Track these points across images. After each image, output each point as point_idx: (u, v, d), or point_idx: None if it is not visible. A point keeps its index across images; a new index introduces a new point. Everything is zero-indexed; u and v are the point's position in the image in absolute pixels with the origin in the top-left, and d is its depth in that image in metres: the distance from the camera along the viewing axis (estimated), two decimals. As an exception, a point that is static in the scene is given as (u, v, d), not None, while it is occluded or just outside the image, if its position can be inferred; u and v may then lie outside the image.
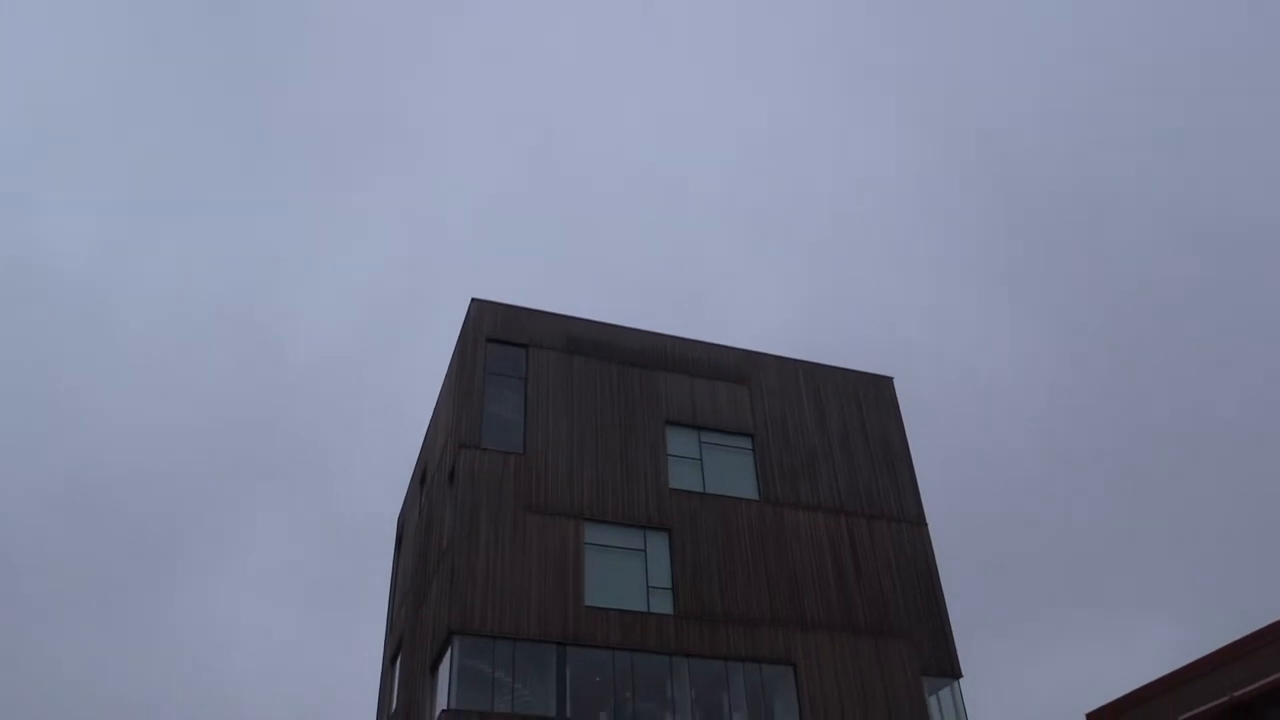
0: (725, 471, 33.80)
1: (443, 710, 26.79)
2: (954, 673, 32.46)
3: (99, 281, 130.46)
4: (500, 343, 33.25)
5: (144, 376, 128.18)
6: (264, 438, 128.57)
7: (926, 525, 35.34)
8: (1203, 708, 16.12)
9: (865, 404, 37.53)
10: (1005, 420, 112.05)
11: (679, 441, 33.76)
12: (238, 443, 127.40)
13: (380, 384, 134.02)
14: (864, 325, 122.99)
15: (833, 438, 36.02)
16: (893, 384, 38.65)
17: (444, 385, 35.99)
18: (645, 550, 31.08)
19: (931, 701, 31.86)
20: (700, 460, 33.69)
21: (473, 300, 33.64)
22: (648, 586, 30.44)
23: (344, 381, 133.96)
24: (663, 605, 30.17)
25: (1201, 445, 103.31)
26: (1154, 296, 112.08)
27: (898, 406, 38.08)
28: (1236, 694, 15.49)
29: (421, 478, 38.89)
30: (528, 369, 33.10)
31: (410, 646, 34.48)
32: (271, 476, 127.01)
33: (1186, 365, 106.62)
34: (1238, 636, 21.59)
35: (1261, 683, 15.23)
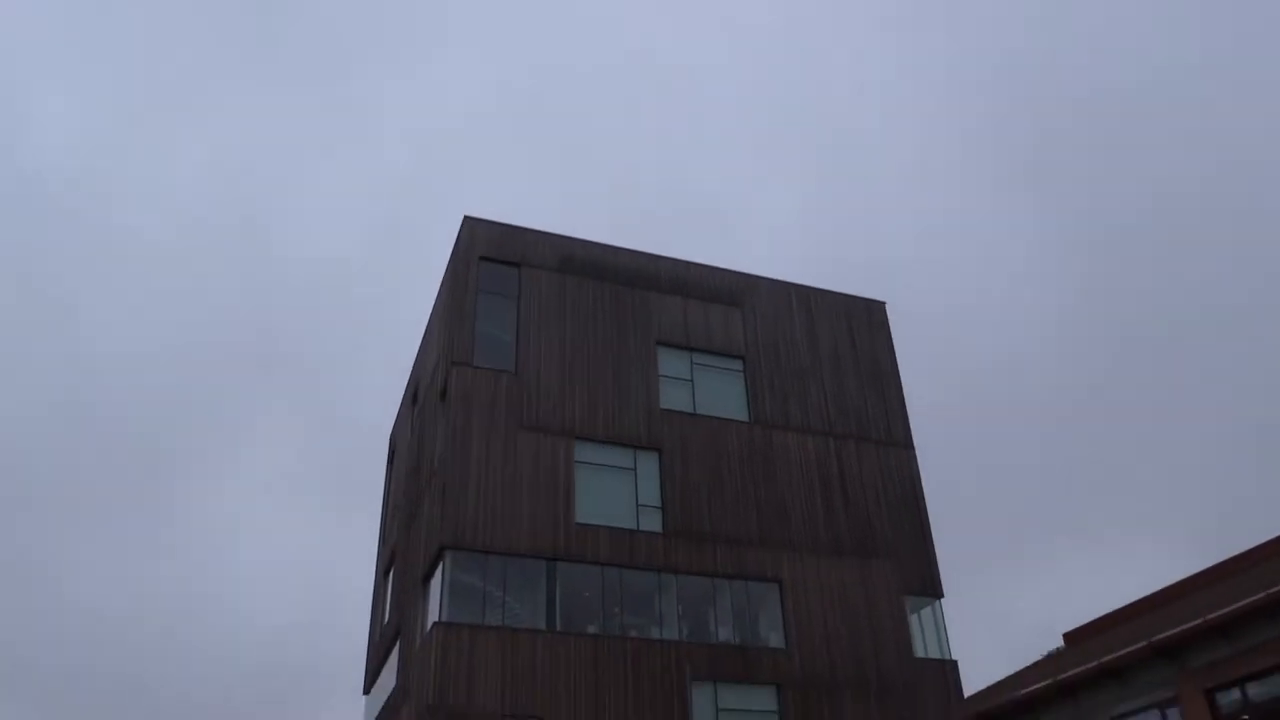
0: (716, 393, 34.01)
1: (435, 622, 27.32)
2: (936, 593, 33.14)
3: (90, 180, 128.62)
4: (493, 261, 33.11)
5: (140, 279, 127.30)
6: (263, 344, 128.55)
7: (914, 449, 35.74)
8: (1175, 630, 16.56)
9: (857, 328, 37.63)
10: (1001, 346, 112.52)
11: (670, 362, 33.89)
12: (236, 348, 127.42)
13: (378, 295, 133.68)
14: (863, 248, 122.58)
15: (823, 361, 36.19)
16: (885, 309, 38.70)
17: (436, 303, 35.93)
18: (635, 469, 31.42)
19: (913, 620, 32.59)
20: (691, 381, 33.87)
21: (465, 218, 33.40)
22: (637, 505, 30.84)
23: (342, 292, 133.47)
24: (652, 523, 30.62)
25: (1199, 371, 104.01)
26: (1158, 220, 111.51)
27: (889, 331, 38.21)
28: (1210, 616, 15.89)
29: (413, 396, 39.05)
30: (520, 288, 33.03)
31: (403, 561, 35.00)
32: (271, 384, 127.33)
33: (1185, 289, 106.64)
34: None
35: (1235, 606, 15.60)
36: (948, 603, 33.33)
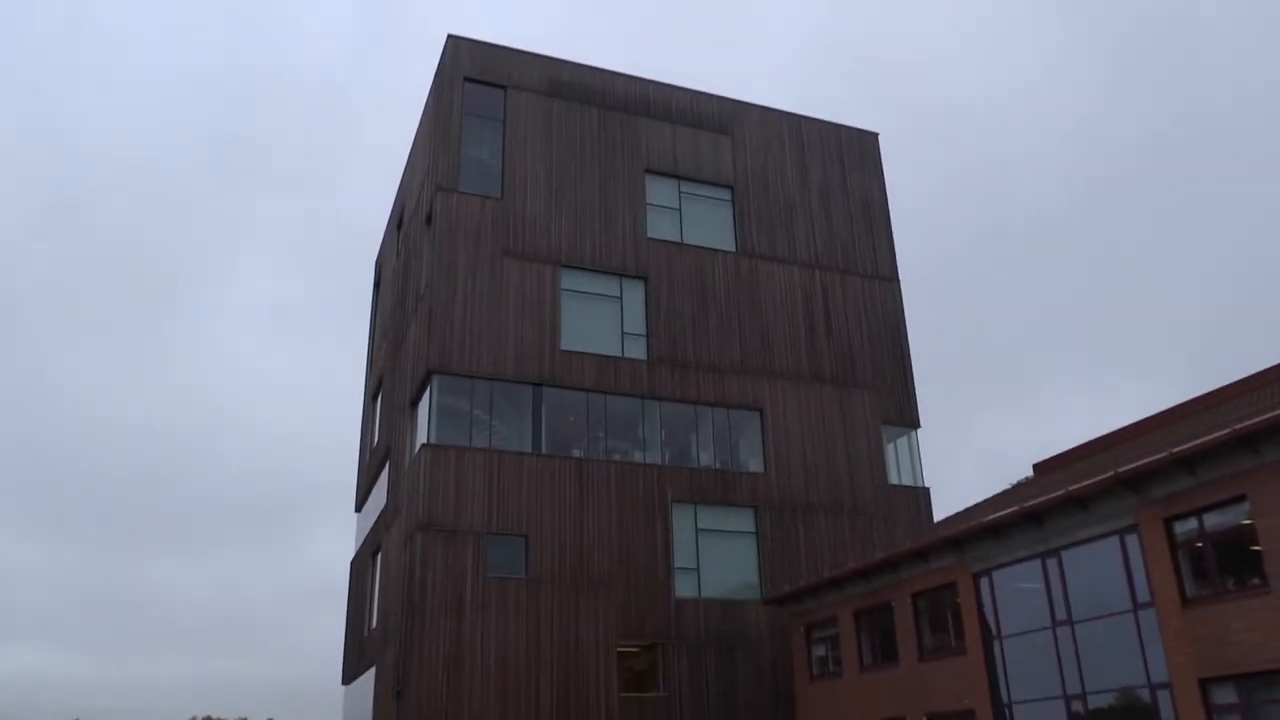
0: (703, 223, 33.79)
1: (423, 444, 27.96)
2: (912, 423, 33.95)
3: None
4: (478, 83, 32.18)
5: (128, 76, 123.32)
6: (253, 149, 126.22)
7: (899, 282, 35.87)
8: (1140, 462, 17.11)
9: (848, 160, 37.10)
10: (1000, 180, 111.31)
11: (658, 191, 33.51)
12: (227, 152, 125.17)
13: (366, 114, 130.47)
14: (868, 70, 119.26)
15: (813, 193, 35.83)
16: (877, 140, 38.06)
17: (420, 125, 35.12)
18: (621, 298, 31.54)
19: (889, 448, 33.50)
20: (679, 210, 33.58)
21: (449, 37, 32.26)
22: (623, 333, 31.12)
23: (331, 109, 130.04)
24: (637, 351, 30.98)
25: (1201, 212, 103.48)
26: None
27: (881, 163, 37.69)
28: (1175, 450, 16.37)
29: (399, 221, 38.68)
30: (506, 111, 32.24)
31: (390, 385, 35.47)
32: (262, 195, 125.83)
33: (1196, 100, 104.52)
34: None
35: (1201, 440, 16.07)
36: (925, 433, 34.22)
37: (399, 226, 38.42)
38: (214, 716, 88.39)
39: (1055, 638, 19.45)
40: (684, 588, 28.82)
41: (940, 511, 32.50)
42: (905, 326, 35.18)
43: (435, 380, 28.45)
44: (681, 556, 29.10)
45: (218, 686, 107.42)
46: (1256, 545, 15.84)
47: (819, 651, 26.75)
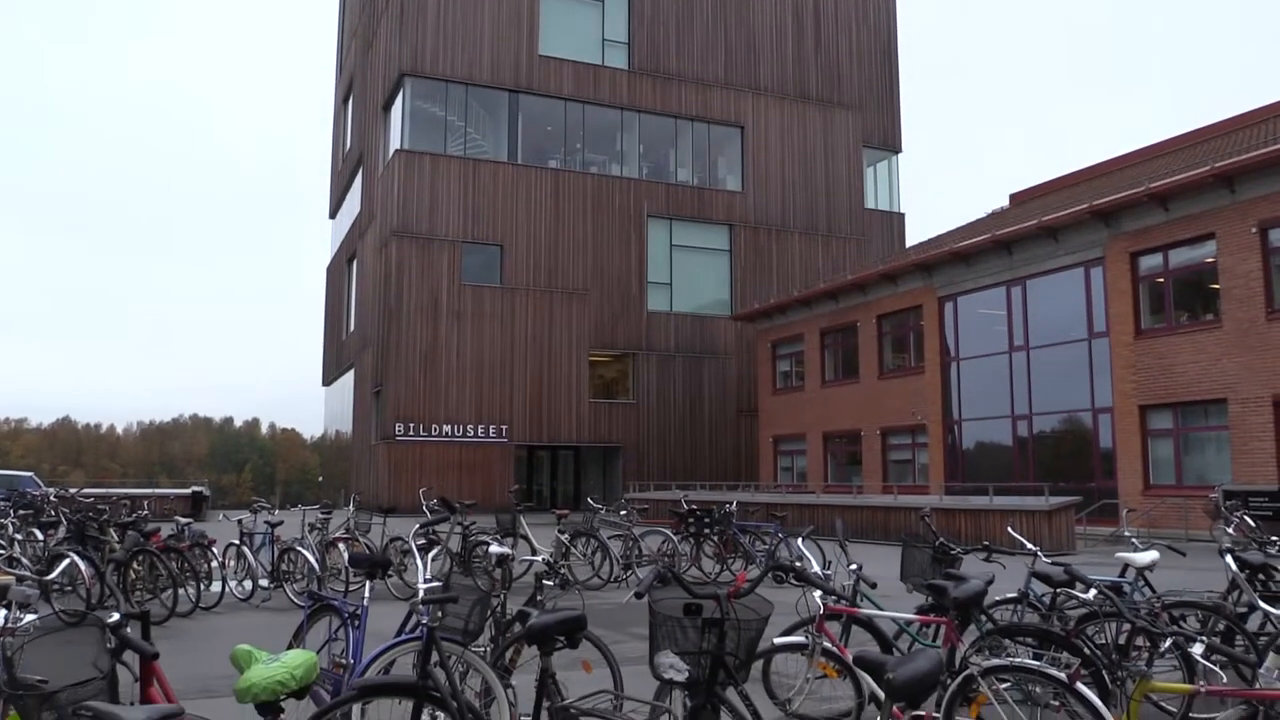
0: (693, -80, 31.61)
1: (396, 150, 27.43)
2: (894, 147, 33.51)
3: None
4: None
5: None
6: None
7: (894, -4, 34.20)
8: (1115, 196, 17.12)
9: None
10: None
11: (646, -119, 31.06)
12: None
13: None
14: None
15: (812, -110, 33.33)
16: None
17: None
18: (603, 1, 30.02)
19: (868, 172, 33.25)
20: (667, -95, 31.31)
21: None
22: (603, 40, 29.87)
23: None
24: (617, 60, 29.88)
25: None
26: None
27: None
28: (1152, 186, 16.34)
29: (366, -98, 35.88)
30: None
31: (361, 88, 34.26)
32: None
33: None
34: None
35: (1180, 177, 16.03)
36: (909, 154, 33.96)
37: (367, -90, 35.71)
38: (200, 415, 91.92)
39: (1010, 362, 20.25)
40: (656, 301, 29.41)
41: (916, 237, 32.82)
42: (896, 43, 33.94)
43: (408, 83, 27.51)
44: (655, 271, 29.49)
45: (204, 386, 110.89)
46: (1216, 284, 16.21)
47: (783, 366, 27.77)
